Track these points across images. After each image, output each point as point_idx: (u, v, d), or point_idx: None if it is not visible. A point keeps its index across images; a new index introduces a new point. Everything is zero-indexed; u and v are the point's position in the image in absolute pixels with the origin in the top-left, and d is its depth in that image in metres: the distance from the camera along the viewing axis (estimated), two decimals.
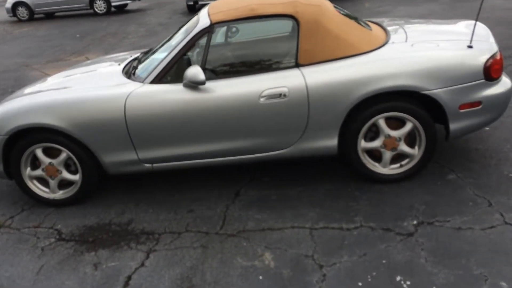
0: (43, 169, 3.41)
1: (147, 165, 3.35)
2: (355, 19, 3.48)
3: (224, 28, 3.36)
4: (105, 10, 16.14)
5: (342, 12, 3.54)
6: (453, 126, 3.12)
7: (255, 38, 3.58)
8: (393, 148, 3.18)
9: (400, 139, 3.15)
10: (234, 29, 3.64)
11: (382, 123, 3.13)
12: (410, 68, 2.99)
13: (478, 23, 3.72)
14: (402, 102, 3.06)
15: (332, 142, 3.19)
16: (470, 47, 3.07)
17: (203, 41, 3.21)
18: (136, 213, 3.32)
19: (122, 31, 11.35)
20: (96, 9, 16.15)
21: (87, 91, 3.27)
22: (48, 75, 5.85)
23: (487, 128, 3.91)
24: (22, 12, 16.66)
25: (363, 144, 3.20)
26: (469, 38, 3.16)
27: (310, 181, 3.44)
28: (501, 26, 7.28)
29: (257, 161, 3.31)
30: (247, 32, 3.64)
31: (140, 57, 3.82)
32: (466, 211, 2.85)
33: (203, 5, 15.31)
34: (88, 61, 4.38)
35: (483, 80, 3.05)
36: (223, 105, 3.10)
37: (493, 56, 3.05)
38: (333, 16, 3.19)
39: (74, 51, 9.60)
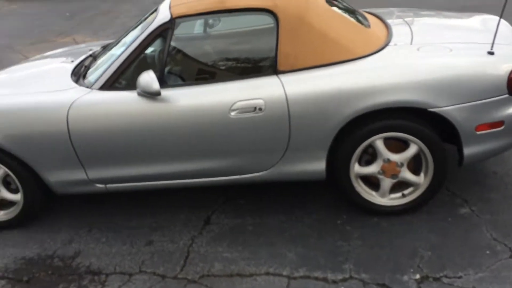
0: None
1: (99, 185, 2.81)
2: (353, 12, 2.87)
3: (189, 23, 2.76)
4: None
5: (339, 4, 2.92)
6: (468, 150, 2.54)
7: (227, 37, 2.98)
8: (394, 175, 2.61)
9: (402, 164, 2.58)
10: (201, 26, 3.03)
11: (380, 144, 2.55)
12: (415, 80, 2.39)
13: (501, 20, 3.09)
14: (404, 120, 2.48)
15: (319, 165, 2.62)
16: (491, 53, 2.46)
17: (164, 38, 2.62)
18: (86, 242, 2.80)
19: (115, 10, 10.71)
20: None
21: (25, 97, 2.72)
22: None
23: None
24: None
25: (357, 169, 2.63)
26: (490, 41, 2.54)
27: (294, 207, 2.89)
28: None
29: (229, 184, 2.77)
30: (218, 29, 3.02)
31: (96, 53, 3.22)
32: (482, 262, 2.29)
33: None
34: (46, 54, 3.80)
35: (507, 95, 2.44)
36: (186, 119, 2.53)
37: None
38: (322, 10, 2.59)
39: (61, 32, 9.00)
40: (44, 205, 2.99)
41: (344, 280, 2.30)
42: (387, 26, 2.87)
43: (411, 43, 2.60)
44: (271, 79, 2.50)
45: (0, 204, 2.97)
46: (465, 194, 2.82)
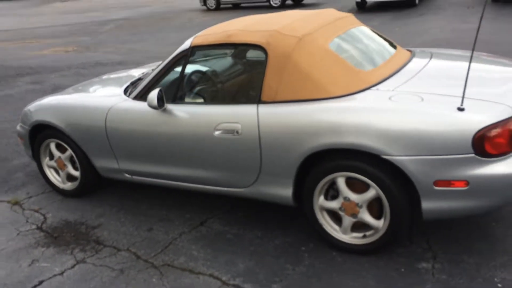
0: (55, 161, 3.79)
1: (127, 175, 3.45)
2: (376, 45, 3.00)
3: (203, 52, 3.21)
4: (279, 3, 16.69)
5: (364, 36, 3.07)
6: (426, 204, 2.46)
7: (230, 66, 3.34)
8: (353, 214, 2.66)
9: (361, 205, 2.62)
10: (214, 55, 3.45)
11: (341, 182, 2.64)
12: (372, 125, 2.44)
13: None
14: (362, 163, 2.53)
15: (287, 192, 2.82)
16: (461, 109, 2.35)
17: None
18: (110, 219, 3.46)
19: None
20: (271, 2, 16.85)
21: (84, 97, 3.52)
22: None
23: None
24: (210, 2, 18.28)
25: (321, 201, 2.76)
26: (482, 96, 2.42)
27: (277, 226, 3.11)
28: None
29: (221, 194, 3.13)
30: (225, 58, 3.41)
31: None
32: None
33: (376, 3, 14.67)
34: (145, 65, 4.64)
35: (473, 155, 2.32)
36: (181, 131, 3.00)
37: (497, 124, 2.29)
38: (315, 50, 2.77)
39: None
40: (96, 183, 3.75)
41: None
42: (396, 70, 2.89)
43: (393, 90, 2.62)
44: (251, 108, 2.80)
45: (68, 177, 3.84)
46: (441, 250, 2.68)
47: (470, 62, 2.41)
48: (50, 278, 2.84)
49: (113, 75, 4.36)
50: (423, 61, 3.09)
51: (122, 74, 4.28)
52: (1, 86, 7.93)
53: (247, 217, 3.29)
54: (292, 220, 3.16)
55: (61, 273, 2.87)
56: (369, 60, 2.96)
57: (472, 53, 2.49)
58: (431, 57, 3.16)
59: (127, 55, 10.29)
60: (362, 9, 14.32)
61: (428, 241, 2.78)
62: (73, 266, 2.93)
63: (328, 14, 3.31)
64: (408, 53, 3.27)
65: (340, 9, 14.38)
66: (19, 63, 10.08)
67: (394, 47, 3.30)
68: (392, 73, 2.85)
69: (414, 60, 3.12)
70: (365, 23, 11.62)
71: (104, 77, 4.34)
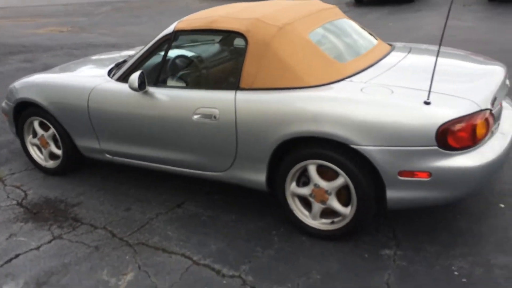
0: (38, 139, 3.85)
1: (108, 156, 3.52)
2: (358, 38, 3.08)
3: (186, 37, 3.26)
4: None
5: (350, 28, 3.14)
6: (390, 193, 2.55)
7: (212, 52, 3.40)
8: (322, 201, 2.75)
9: (330, 192, 2.71)
10: (196, 40, 3.50)
11: (312, 170, 2.72)
12: (342, 115, 2.51)
13: (498, 65, 2.94)
14: (332, 151, 2.61)
15: (260, 177, 2.90)
16: (427, 103, 2.43)
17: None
18: (90, 197, 3.53)
19: None
20: None
21: (68, 77, 3.58)
22: None
23: (502, 205, 3.07)
24: None
25: (293, 187, 2.84)
26: (450, 91, 2.51)
27: (252, 211, 3.20)
28: None
29: (199, 177, 3.21)
30: (208, 44, 3.47)
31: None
32: None
33: None
34: (137, 48, 4.68)
35: (436, 148, 2.40)
36: (160, 114, 3.06)
37: (460, 119, 2.37)
38: (294, 40, 2.83)
39: None
40: (79, 162, 3.81)
41: (231, 276, 2.58)
42: (372, 63, 2.95)
43: (366, 82, 2.69)
44: (229, 94, 2.86)
45: (51, 155, 3.90)
46: (405, 239, 2.77)
47: (436, 57, 2.48)
48: (26, 252, 2.92)
49: (102, 56, 4.40)
50: (401, 55, 3.16)
51: (111, 55, 4.31)
52: None
53: (224, 200, 3.37)
54: (267, 206, 3.24)
55: (37, 248, 2.95)
56: (347, 52, 3.02)
57: (439, 48, 2.55)
58: (409, 52, 3.23)
59: (122, 37, 10.29)
60: (360, 3, 14.30)
61: (394, 231, 2.87)
62: (49, 242, 3.01)
63: (313, 4, 3.37)
64: (388, 47, 3.33)
65: (338, 2, 14.38)
66: (12, 41, 10.07)
67: (375, 40, 3.36)
68: (368, 65, 2.92)
69: (392, 54, 3.19)
70: (361, 16, 11.67)
71: (94, 57, 4.38)
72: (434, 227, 2.89)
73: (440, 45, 2.54)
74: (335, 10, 3.45)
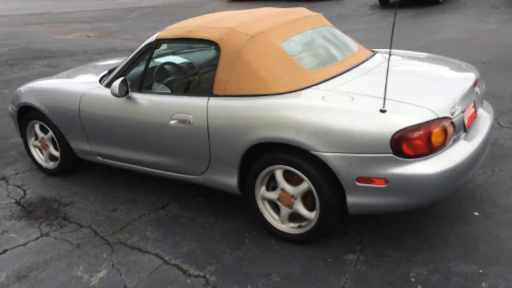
0: (39, 141, 4.08)
1: (99, 158, 3.70)
2: (335, 47, 3.18)
3: (168, 45, 3.40)
4: None
5: (328, 34, 3.24)
6: (350, 199, 2.59)
7: (190, 60, 3.52)
8: (289, 205, 2.82)
9: (295, 197, 2.78)
10: (177, 48, 3.63)
11: (279, 174, 2.80)
12: (302, 121, 2.58)
13: (470, 71, 2.94)
14: (294, 157, 2.68)
15: (232, 181, 3.00)
16: (383, 111, 2.47)
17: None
18: (82, 197, 3.71)
19: None
20: None
21: (62, 83, 3.78)
22: None
23: (476, 213, 3.05)
24: None
25: (262, 191, 2.92)
26: (409, 99, 2.54)
27: (229, 214, 3.29)
28: None
29: (179, 180, 3.33)
30: (186, 52, 3.60)
31: None
32: None
33: None
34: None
35: (391, 155, 2.44)
36: (142, 118, 3.21)
37: (415, 127, 2.40)
38: (265, 48, 2.92)
39: None
40: (75, 163, 4.01)
41: (196, 276, 2.68)
42: (344, 70, 3.00)
43: (330, 89, 2.75)
44: (203, 100, 2.97)
45: (50, 157, 4.11)
46: (371, 244, 2.80)
47: (388, 65, 2.52)
48: (13, 248, 3.11)
49: (107, 62, 4.59)
50: (378, 62, 3.19)
51: (116, 61, 4.50)
52: (18, 68, 8.35)
53: (206, 203, 3.48)
54: (244, 208, 3.33)
55: (24, 244, 3.14)
56: (320, 59, 3.08)
57: (389, 55, 2.57)
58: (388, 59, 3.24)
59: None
60: (385, 5, 14.17)
61: (362, 235, 2.91)
62: (36, 239, 3.20)
63: (296, 12, 3.44)
64: (368, 54, 3.37)
65: (363, 5, 14.30)
66: (41, 46, 10.52)
67: (355, 47, 3.40)
68: (339, 73, 2.97)
69: (369, 61, 3.23)
70: (383, 19, 11.59)
71: (99, 63, 4.58)
72: (403, 232, 2.91)
73: (390, 51, 2.57)
74: (319, 17, 3.51)
